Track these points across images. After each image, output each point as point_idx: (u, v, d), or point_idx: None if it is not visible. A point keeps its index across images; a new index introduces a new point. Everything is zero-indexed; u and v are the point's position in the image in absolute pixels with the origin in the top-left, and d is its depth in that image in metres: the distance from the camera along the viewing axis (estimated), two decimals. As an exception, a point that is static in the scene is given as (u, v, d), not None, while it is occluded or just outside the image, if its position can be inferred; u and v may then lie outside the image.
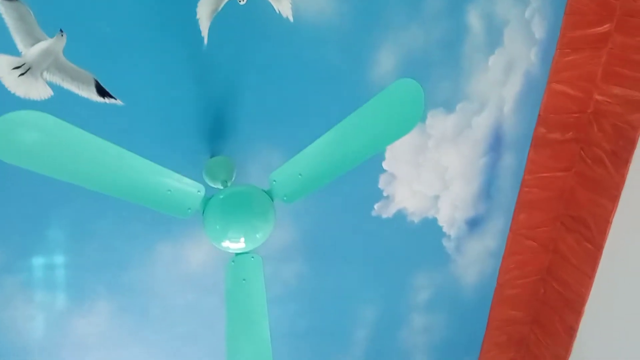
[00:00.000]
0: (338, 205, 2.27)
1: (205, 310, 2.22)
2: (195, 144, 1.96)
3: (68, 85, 1.78)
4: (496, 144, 2.41)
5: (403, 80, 1.57)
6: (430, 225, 2.46)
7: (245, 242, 1.63)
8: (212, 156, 1.98)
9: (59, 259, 1.97)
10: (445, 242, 2.53)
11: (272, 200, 1.63)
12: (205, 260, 2.15)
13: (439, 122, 2.27)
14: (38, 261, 1.94)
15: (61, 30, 1.71)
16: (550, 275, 2.73)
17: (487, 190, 2.49)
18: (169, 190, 1.49)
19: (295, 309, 2.38)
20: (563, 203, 2.60)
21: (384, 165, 2.26)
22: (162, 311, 2.18)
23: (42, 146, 1.30)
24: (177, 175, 1.49)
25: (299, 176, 1.60)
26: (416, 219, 2.42)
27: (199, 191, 1.53)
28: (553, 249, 2.70)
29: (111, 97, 1.83)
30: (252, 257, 1.66)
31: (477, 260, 2.63)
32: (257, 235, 1.63)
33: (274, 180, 1.60)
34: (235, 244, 1.62)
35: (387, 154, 2.25)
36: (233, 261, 1.64)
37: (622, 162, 2.34)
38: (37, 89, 1.75)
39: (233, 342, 1.74)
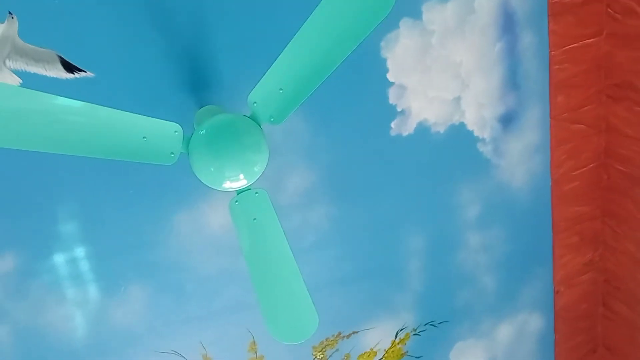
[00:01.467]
0: (351, 134, 2.10)
1: (241, 274, 2.10)
2: (180, 100, 1.85)
3: (34, 69, 1.70)
4: (509, 23, 2.16)
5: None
6: (459, 132, 2.24)
7: (245, 178, 1.49)
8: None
9: (79, 252, 1.91)
10: (480, 147, 2.30)
11: (260, 125, 1.48)
12: (227, 222, 2.03)
13: (437, 15, 2.05)
14: (58, 259, 1.89)
15: (10, 13, 1.63)
16: (610, 156, 2.44)
17: (513, 79, 2.24)
18: (144, 137, 1.38)
19: (335, 253, 2.24)
20: (602, 72, 2.31)
21: (389, 77, 2.07)
22: (198, 285, 2.09)
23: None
24: (149, 119, 1.37)
25: (280, 91, 1.44)
26: (441, 129, 2.21)
27: (175, 131, 1.40)
28: (605, 126, 2.41)
29: (80, 70, 1.74)
30: (257, 193, 1.52)
31: (522, 159, 2.39)
32: (256, 169, 1.50)
33: (254, 102, 1.46)
34: (235, 183, 1.49)
35: (390, 64, 2.05)
36: (236, 201, 1.51)
37: (657, 3, 2.03)
38: (4, 79, 1.68)
39: (263, 290, 1.62)
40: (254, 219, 1.53)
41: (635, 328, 2.60)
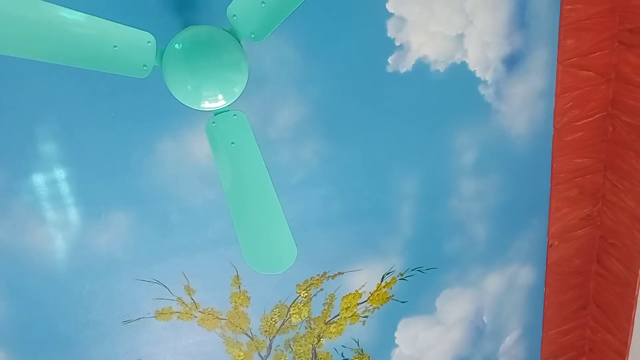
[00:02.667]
0: (345, 67, 2.01)
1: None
2: (164, 19, 1.75)
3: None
4: (520, -44, 2.02)
5: None
6: (460, 72, 2.14)
7: (224, 98, 1.42)
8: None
9: (60, 174, 1.87)
10: (482, 90, 2.20)
11: (239, 41, 1.40)
12: (212, 152, 1.98)
13: (443, -58, 1.91)
14: (39, 179, 1.85)
15: None
16: (617, 107, 2.34)
17: (521, 17, 2.12)
18: (115, 45, 1.30)
19: (325, 192, 2.18)
20: (617, 15, 2.17)
21: (389, 7, 1.95)
22: (183, 215, 2.06)
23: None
24: (120, 26, 1.29)
25: (262, 4, 1.35)
26: (441, 67, 2.11)
27: (148, 42, 1.33)
28: (615, 75, 2.29)
29: (58, -20, 1.64)
30: (235, 116, 1.46)
31: (524, 104, 2.29)
32: (235, 90, 1.43)
33: (234, 15, 1.37)
34: (212, 103, 1.42)
35: (390, -7, 1.94)
36: (213, 122, 1.45)
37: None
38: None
39: (241, 217, 1.57)
40: (232, 142, 1.47)
41: (628, 286, 2.56)
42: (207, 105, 1.42)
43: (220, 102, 1.42)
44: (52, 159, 1.85)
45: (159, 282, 2.13)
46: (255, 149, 1.49)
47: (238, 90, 1.42)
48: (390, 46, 2.01)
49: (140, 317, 2.17)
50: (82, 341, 2.15)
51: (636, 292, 2.51)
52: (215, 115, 1.44)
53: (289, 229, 1.62)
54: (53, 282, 2.00)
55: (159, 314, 2.19)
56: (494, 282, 2.63)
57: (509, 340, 2.84)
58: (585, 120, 2.37)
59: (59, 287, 2.02)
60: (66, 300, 2.05)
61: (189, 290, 2.19)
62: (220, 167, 1.51)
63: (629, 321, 2.60)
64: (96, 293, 2.08)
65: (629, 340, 2.63)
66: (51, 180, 1.87)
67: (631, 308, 2.56)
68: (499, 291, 2.67)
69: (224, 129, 1.45)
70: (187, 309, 2.22)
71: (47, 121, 1.81)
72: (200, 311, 2.24)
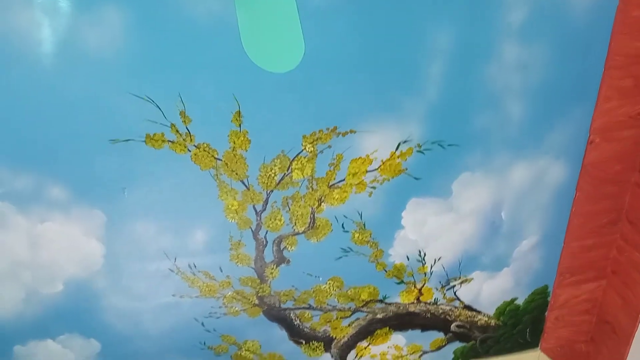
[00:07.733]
0: None
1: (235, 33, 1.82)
2: None
3: None
4: None
5: None
6: None
7: None
8: None
9: (51, -54, 1.65)
10: None
11: None
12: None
13: None
14: (27, -52, 1.64)
15: None
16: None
17: None
18: None
19: (344, 28, 1.92)
20: None
21: None
22: (184, 26, 1.83)
23: None
24: None
25: None
26: None
27: None
28: None
29: None
30: None
31: (592, -40, 1.96)
32: None
33: None
34: None
35: None
36: None
37: None
38: None
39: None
40: None
41: (670, 198, 2.27)
42: None
43: None
44: None
45: (152, 101, 1.94)
46: None
47: None
48: None
49: (128, 138, 2.00)
50: (63, 155, 2.00)
51: (680, 203, 2.23)
52: None
53: (299, 21, 1.38)
54: (37, 78, 1.82)
55: (150, 139, 2.01)
56: (520, 173, 2.38)
57: (525, 244, 2.60)
58: (661, -6, 2.04)
59: (43, 85, 1.84)
60: (50, 102, 1.87)
61: (184, 117, 1.99)
62: None
63: (665, 237, 2.33)
64: (83, 101, 1.90)
65: (660, 259, 2.38)
66: (41, -48, 1.66)
67: (670, 222, 2.29)
68: (524, 185, 2.42)
69: None
70: (181, 139, 2.04)
71: None
72: (195, 145, 2.06)
